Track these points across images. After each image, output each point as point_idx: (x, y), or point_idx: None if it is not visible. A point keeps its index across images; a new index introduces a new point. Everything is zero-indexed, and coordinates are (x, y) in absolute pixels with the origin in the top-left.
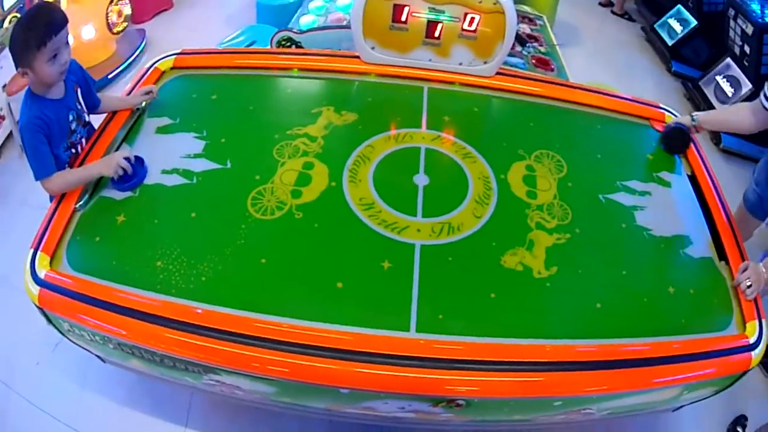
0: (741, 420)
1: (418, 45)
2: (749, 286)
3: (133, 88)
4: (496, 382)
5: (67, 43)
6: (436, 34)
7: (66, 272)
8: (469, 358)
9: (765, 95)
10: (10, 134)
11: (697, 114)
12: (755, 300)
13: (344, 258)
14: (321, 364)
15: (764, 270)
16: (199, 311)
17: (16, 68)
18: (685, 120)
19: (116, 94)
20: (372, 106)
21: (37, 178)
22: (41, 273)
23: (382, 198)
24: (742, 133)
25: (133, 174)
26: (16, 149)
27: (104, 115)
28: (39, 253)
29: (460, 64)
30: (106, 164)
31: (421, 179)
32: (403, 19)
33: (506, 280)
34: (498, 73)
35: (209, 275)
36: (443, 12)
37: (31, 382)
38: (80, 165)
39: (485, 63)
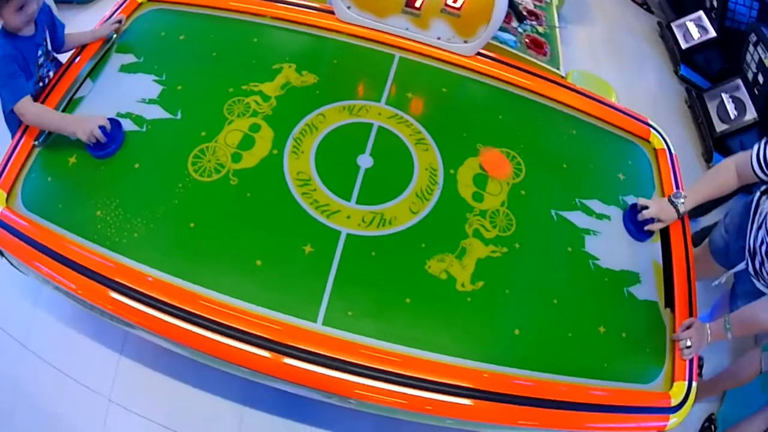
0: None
1: (397, 12)
2: (689, 346)
3: (109, 17)
4: (386, 391)
5: None
6: (417, 4)
7: (19, 211)
8: (366, 363)
9: (759, 157)
10: None
11: (682, 201)
12: (690, 361)
13: (268, 235)
14: (223, 339)
15: (709, 332)
16: (126, 269)
17: None
18: (665, 210)
19: (85, 29)
20: (335, 69)
21: (12, 103)
22: None
23: (319, 175)
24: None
25: (108, 142)
26: None
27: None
28: None
29: (438, 38)
30: (82, 127)
31: (365, 161)
32: None
33: (426, 286)
34: (478, 54)
35: (141, 232)
36: None
37: None
38: (45, 98)
39: (465, 42)
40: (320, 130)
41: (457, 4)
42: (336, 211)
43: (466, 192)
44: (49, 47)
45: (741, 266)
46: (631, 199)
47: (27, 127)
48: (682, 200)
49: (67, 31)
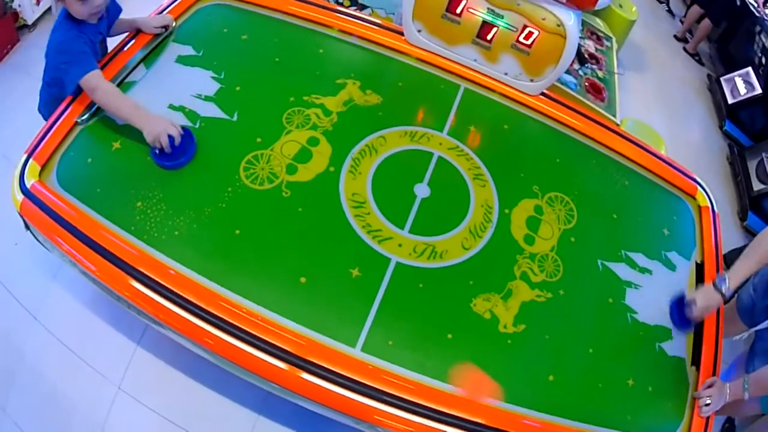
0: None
1: (467, 42)
2: (707, 404)
3: (168, 6)
4: (415, 423)
5: None
6: (489, 37)
7: (52, 187)
8: (402, 395)
9: None
10: (49, 9)
11: (725, 283)
12: (707, 418)
13: (316, 253)
14: (257, 353)
15: (729, 392)
16: (163, 267)
17: None
18: (711, 299)
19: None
20: (399, 92)
21: (83, 73)
22: (29, 182)
23: (375, 199)
24: None
25: (178, 152)
26: (51, 23)
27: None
28: (31, 160)
29: (506, 74)
30: (150, 126)
31: (422, 190)
32: (458, 11)
33: (469, 324)
34: (542, 94)
35: (183, 231)
36: (502, 17)
37: (4, 260)
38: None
39: (531, 81)
40: (380, 153)
41: (528, 41)
42: (388, 237)
43: (519, 234)
44: (106, 34)
45: (764, 325)
46: (672, 256)
47: (71, 101)
48: (726, 284)
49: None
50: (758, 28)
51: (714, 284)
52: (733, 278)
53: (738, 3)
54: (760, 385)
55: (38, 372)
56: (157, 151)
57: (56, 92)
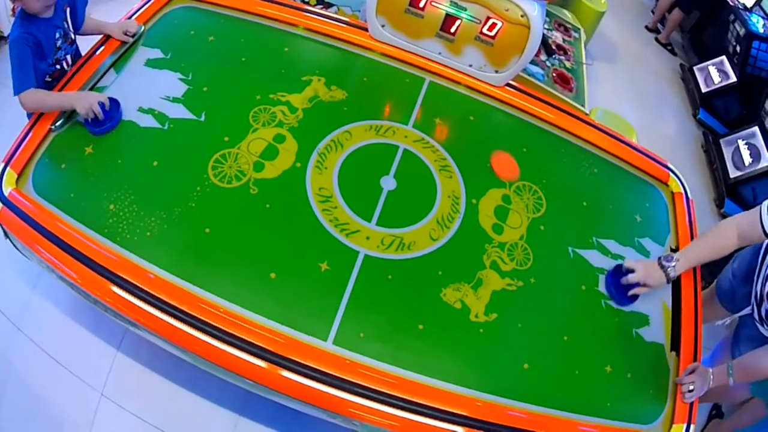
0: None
1: (431, 36)
2: (691, 390)
3: (138, 10)
4: (391, 415)
5: None
6: (452, 30)
7: (29, 195)
8: (372, 386)
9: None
10: None
11: (673, 263)
12: (691, 404)
13: (285, 249)
14: (229, 349)
15: (712, 377)
16: (136, 269)
17: None
18: (652, 274)
19: (100, 19)
20: (364, 87)
21: (16, 93)
22: (6, 191)
23: (342, 193)
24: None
25: (106, 119)
26: None
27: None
28: (8, 169)
29: (470, 65)
30: (80, 102)
31: (388, 182)
32: (421, 5)
33: (440, 314)
34: (507, 85)
35: (154, 232)
36: (465, 9)
37: None
38: (65, 85)
39: (496, 72)
40: (345, 148)
41: (492, 32)
42: (355, 230)
43: (487, 223)
44: (69, 29)
45: (747, 311)
46: (646, 242)
47: None
48: (674, 264)
49: (90, 15)
50: (732, 17)
51: (660, 261)
52: (682, 261)
53: None
54: (745, 371)
55: (25, 382)
56: (89, 120)
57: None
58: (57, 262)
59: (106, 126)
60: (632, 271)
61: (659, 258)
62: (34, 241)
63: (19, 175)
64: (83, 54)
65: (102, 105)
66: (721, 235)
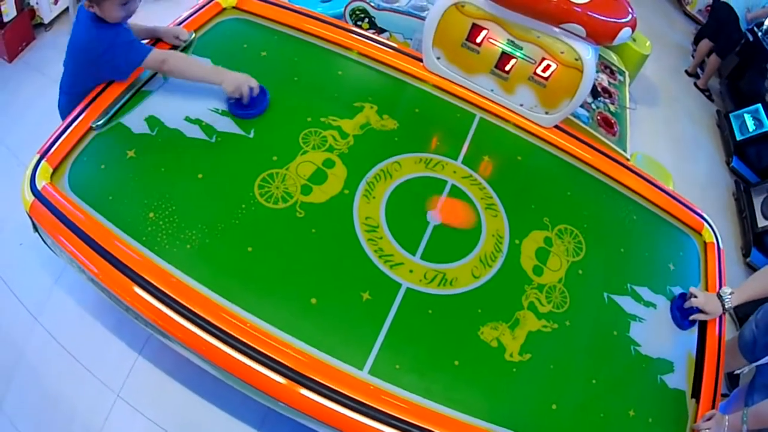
0: None
1: (485, 72)
2: None
3: (188, 17)
4: None
5: None
6: (507, 68)
7: (63, 191)
8: (408, 418)
9: None
10: (66, 10)
11: (729, 297)
12: None
13: (328, 275)
14: (265, 371)
15: (728, 424)
16: (173, 280)
17: None
18: (711, 303)
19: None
20: (416, 119)
21: (144, 55)
22: (40, 184)
23: (388, 224)
24: None
25: (251, 105)
26: (68, 25)
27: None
28: (43, 162)
29: (521, 105)
30: (232, 80)
31: (434, 217)
32: (478, 41)
33: (476, 351)
34: (555, 127)
35: (194, 245)
36: (521, 48)
37: (8, 259)
38: (104, 89)
39: (546, 113)
40: (394, 179)
41: (546, 74)
42: (399, 263)
43: (528, 264)
44: None
45: (765, 360)
46: (677, 290)
47: (87, 105)
48: (729, 296)
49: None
50: None
51: (718, 294)
52: (736, 294)
53: (750, 38)
54: (759, 419)
55: (37, 372)
56: (233, 101)
57: (86, 90)
58: (88, 263)
59: (250, 112)
60: (695, 295)
61: (718, 291)
62: (66, 239)
63: (55, 170)
64: None
65: (251, 90)
66: None
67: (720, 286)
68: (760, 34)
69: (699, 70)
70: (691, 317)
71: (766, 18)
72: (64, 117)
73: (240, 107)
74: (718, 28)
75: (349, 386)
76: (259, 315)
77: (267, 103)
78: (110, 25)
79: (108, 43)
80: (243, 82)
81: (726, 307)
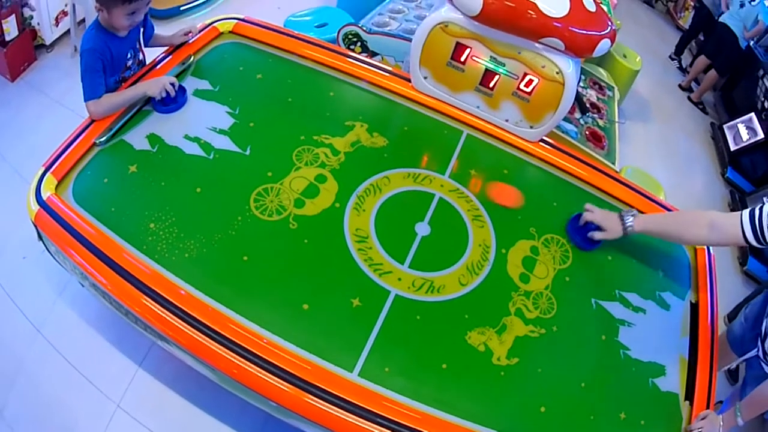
0: None
1: (470, 89)
2: None
3: (188, 41)
4: None
5: (148, 3)
6: (491, 85)
7: (67, 201)
8: (396, 419)
9: (754, 222)
10: (68, 32)
11: (630, 217)
12: None
13: (319, 282)
14: (258, 373)
15: (722, 424)
16: (182, 292)
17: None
18: (610, 219)
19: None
20: (404, 136)
21: (86, 99)
22: (45, 194)
23: (377, 235)
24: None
25: (175, 98)
26: (69, 47)
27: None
28: (48, 174)
29: (507, 120)
30: (153, 84)
31: (422, 228)
32: (462, 59)
33: (463, 355)
34: (541, 140)
35: (193, 254)
36: (503, 65)
37: (11, 273)
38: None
39: (531, 127)
40: (383, 192)
41: (528, 89)
42: (388, 271)
43: (514, 272)
44: (139, 49)
45: (752, 353)
46: (667, 296)
47: (91, 121)
48: (631, 219)
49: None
50: (761, 72)
51: (620, 214)
52: (639, 220)
53: (743, 48)
54: (751, 408)
55: (38, 381)
56: (158, 100)
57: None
58: (91, 269)
59: (172, 107)
60: (591, 210)
61: (620, 211)
62: (70, 246)
63: (59, 183)
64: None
65: (173, 85)
66: (691, 218)
67: (711, 294)
68: (752, 43)
69: (693, 84)
70: (589, 234)
71: (765, 34)
72: None
73: (163, 103)
74: (717, 48)
75: (339, 387)
76: (254, 320)
77: (186, 98)
78: (102, 35)
79: (84, 57)
80: (163, 81)
81: (627, 227)
